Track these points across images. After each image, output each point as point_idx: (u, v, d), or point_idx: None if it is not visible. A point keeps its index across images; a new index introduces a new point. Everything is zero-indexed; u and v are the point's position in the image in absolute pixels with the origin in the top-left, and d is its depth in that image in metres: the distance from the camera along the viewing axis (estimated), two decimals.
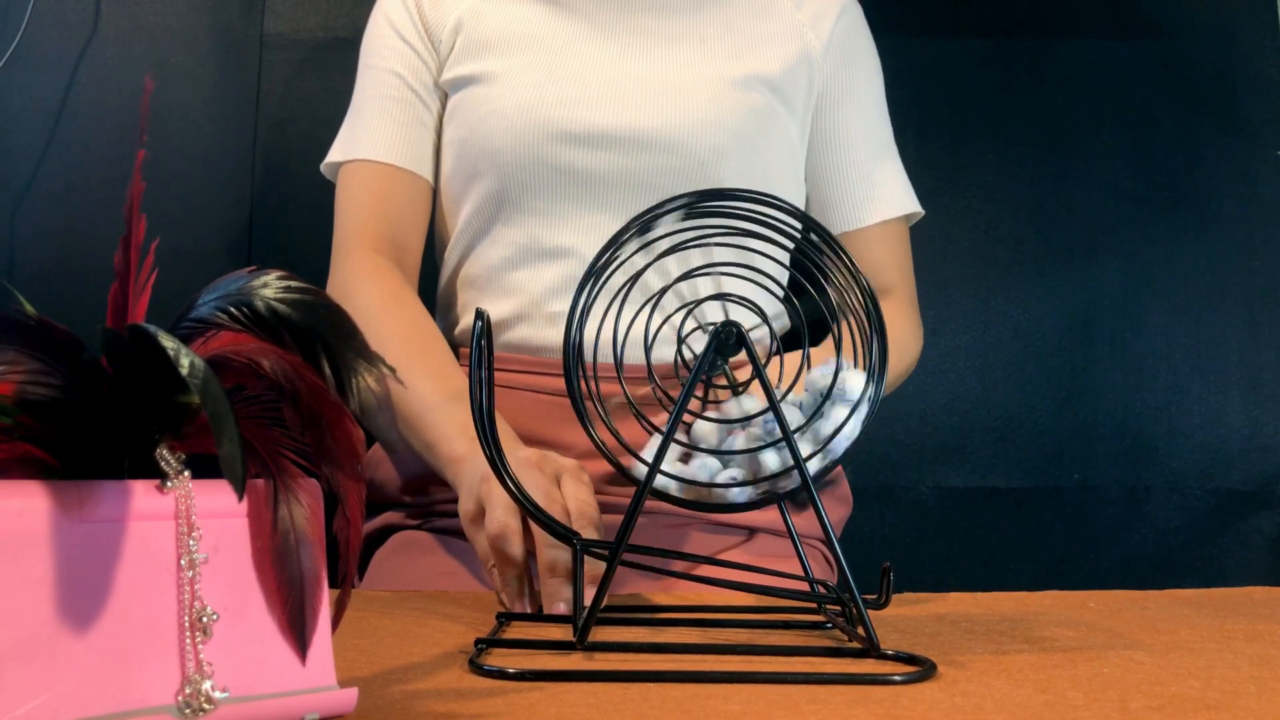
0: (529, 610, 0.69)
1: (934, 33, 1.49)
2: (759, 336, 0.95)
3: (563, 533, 0.60)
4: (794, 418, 0.59)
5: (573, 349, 0.58)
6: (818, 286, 0.61)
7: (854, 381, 0.58)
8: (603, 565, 0.56)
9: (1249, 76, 1.49)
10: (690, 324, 0.66)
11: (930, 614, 0.67)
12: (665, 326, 0.66)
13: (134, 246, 0.38)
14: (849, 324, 0.60)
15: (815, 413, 0.58)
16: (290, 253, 1.40)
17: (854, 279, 0.58)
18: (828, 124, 1.05)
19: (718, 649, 0.55)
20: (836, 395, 0.58)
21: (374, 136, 1.01)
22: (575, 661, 0.52)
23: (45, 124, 1.43)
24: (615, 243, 0.58)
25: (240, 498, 0.34)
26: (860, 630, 0.54)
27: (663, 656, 0.53)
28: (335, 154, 1.04)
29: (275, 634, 0.38)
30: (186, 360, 0.34)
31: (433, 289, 1.06)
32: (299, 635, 0.38)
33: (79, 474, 0.36)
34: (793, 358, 0.68)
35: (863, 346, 0.59)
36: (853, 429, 0.57)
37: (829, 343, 0.62)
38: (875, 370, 0.58)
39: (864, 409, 0.57)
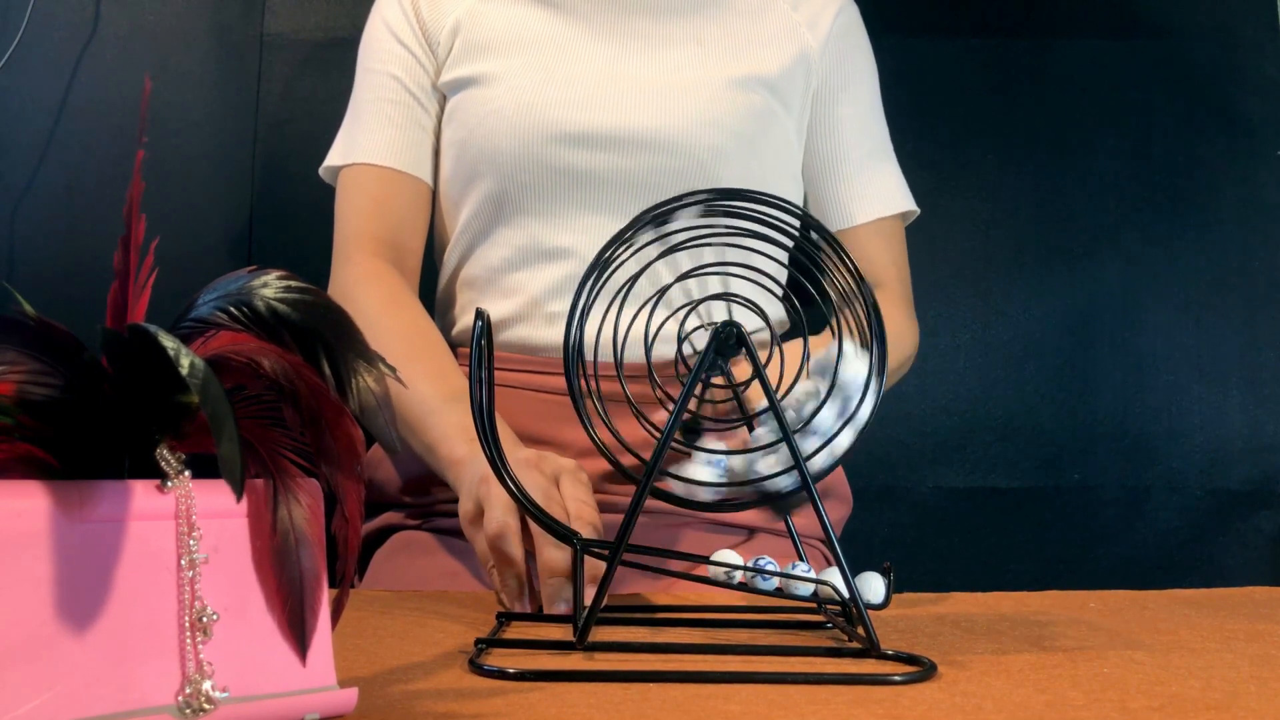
0: (529, 610, 0.69)
1: (934, 33, 1.49)
2: (761, 337, 0.95)
3: (562, 533, 0.60)
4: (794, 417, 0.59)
5: (572, 347, 0.58)
6: (817, 285, 0.61)
7: (854, 368, 0.58)
8: (603, 565, 0.56)
9: (1249, 76, 1.49)
10: (693, 321, 0.66)
11: (930, 614, 0.67)
12: (668, 325, 0.66)
13: (134, 246, 0.38)
14: (847, 321, 0.60)
15: (821, 404, 0.57)
16: (290, 253, 1.40)
17: (858, 285, 0.58)
18: (824, 122, 1.05)
19: (718, 649, 0.55)
20: (838, 386, 0.58)
21: (372, 140, 1.01)
22: (575, 661, 0.52)
23: (45, 124, 1.43)
24: (619, 240, 0.58)
25: (239, 498, 0.34)
26: (860, 630, 0.54)
27: (663, 656, 0.53)
28: (334, 158, 1.03)
29: (275, 634, 0.38)
30: (186, 360, 0.34)
31: (432, 291, 1.06)
32: (299, 635, 0.38)
33: (79, 474, 0.36)
34: (792, 348, 0.67)
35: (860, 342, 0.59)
36: (854, 431, 0.57)
37: (826, 333, 0.62)
38: (875, 368, 0.58)
39: (867, 405, 0.57)
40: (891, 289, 1.05)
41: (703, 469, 0.59)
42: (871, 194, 1.06)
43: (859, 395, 0.57)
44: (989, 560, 1.45)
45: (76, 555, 0.34)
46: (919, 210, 1.09)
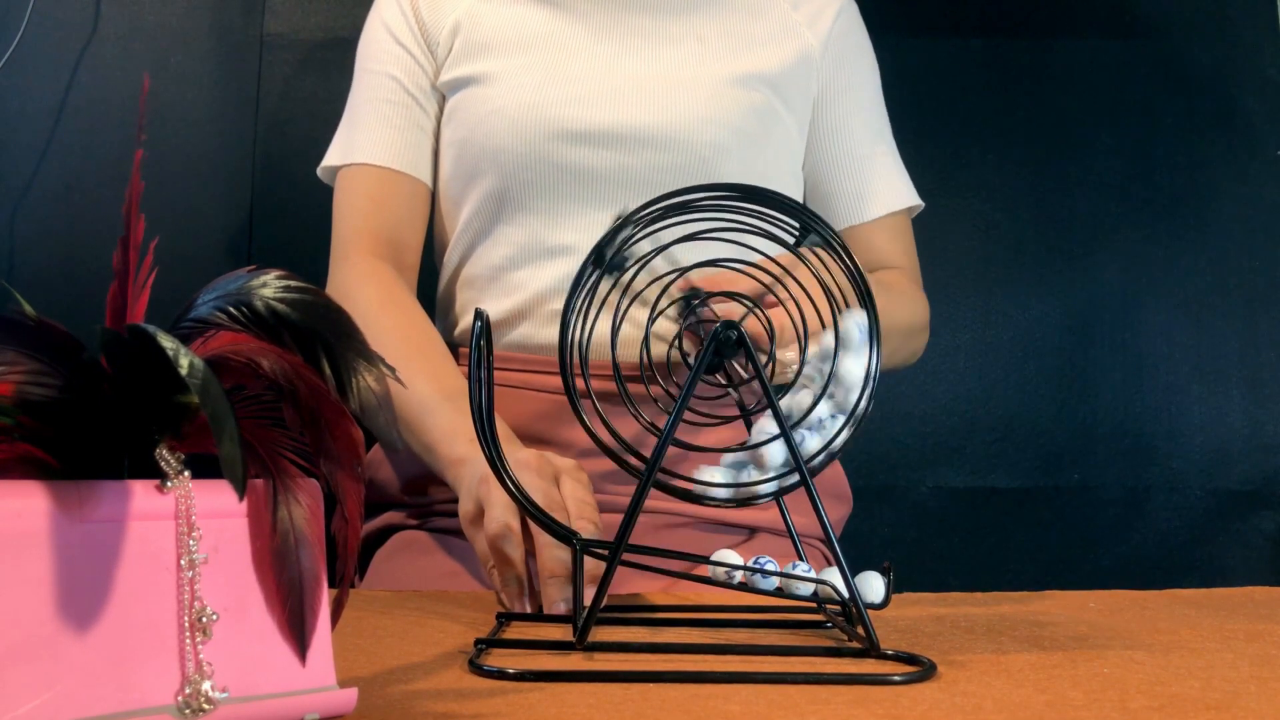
0: (529, 610, 0.69)
1: (934, 33, 1.49)
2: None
3: (562, 533, 0.60)
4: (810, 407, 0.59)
5: (569, 345, 0.58)
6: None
7: (851, 362, 0.58)
8: (603, 565, 0.56)
9: (1249, 76, 1.49)
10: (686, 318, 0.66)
11: (930, 614, 0.67)
12: (666, 324, 0.66)
13: (133, 246, 0.38)
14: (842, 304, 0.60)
15: (831, 373, 0.57)
16: (290, 253, 1.40)
17: (852, 269, 0.58)
18: (828, 120, 1.05)
19: (718, 649, 0.55)
20: (837, 378, 0.58)
21: (371, 140, 1.01)
22: (575, 661, 0.52)
23: (45, 124, 1.43)
24: (611, 238, 0.58)
25: (241, 498, 0.34)
26: (860, 630, 0.54)
27: (663, 656, 0.53)
28: (332, 158, 1.03)
29: (275, 634, 0.38)
30: (186, 360, 0.34)
31: (431, 292, 1.06)
32: (299, 635, 0.38)
33: (79, 474, 0.36)
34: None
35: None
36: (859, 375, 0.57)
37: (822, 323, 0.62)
38: (873, 337, 0.58)
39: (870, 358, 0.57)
40: (906, 271, 1.07)
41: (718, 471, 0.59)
42: (881, 189, 1.06)
43: (857, 387, 0.57)
44: (989, 560, 1.45)
45: (76, 555, 0.34)
46: (923, 204, 1.09)
